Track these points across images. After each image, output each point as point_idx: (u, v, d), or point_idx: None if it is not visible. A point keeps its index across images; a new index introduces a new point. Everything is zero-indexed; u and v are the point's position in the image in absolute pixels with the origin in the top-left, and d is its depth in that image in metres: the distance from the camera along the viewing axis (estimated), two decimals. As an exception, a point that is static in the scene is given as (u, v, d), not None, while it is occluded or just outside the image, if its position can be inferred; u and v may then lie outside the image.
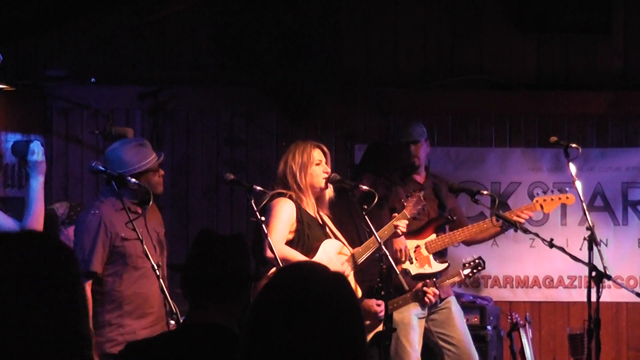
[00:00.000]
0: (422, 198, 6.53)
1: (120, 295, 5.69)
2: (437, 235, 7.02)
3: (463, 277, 6.81)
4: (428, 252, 6.96)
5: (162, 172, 5.92)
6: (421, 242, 6.97)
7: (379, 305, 6.28)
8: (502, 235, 7.21)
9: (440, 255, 7.01)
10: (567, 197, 7.11)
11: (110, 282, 5.68)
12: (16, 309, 2.06)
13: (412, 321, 6.86)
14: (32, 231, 2.50)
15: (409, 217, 6.44)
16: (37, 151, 5.47)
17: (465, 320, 7.17)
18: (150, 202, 5.65)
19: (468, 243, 7.25)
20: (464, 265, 6.85)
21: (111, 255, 5.69)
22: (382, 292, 5.97)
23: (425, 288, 6.51)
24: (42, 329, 2.06)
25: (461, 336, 6.97)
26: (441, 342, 6.97)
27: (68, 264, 2.18)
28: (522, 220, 6.88)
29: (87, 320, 2.16)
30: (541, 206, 7.04)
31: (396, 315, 6.77)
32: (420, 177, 7.20)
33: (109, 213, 5.68)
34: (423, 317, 6.96)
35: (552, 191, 7.13)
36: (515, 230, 6.85)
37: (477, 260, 6.85)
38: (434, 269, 6.89)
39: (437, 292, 6.44)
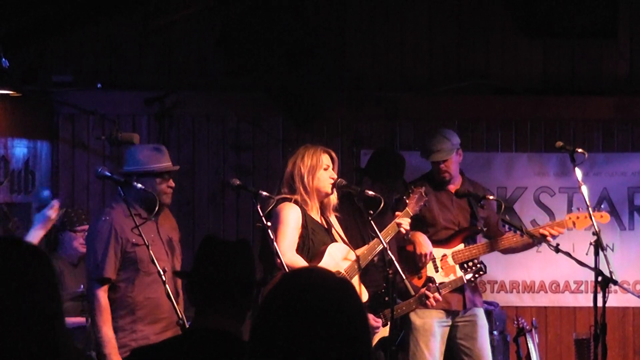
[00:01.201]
0: (423, 194, 6.50)
1: (132, 300, 5.69)
2: (465, 246, 7.01)
3: (465, 281, 6.80)
4: (454, 261, 6.96)
5: (172, 183, 5.90)
6: (448, 252, 6.98)
7: (376, 320, 6.27)
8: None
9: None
10: (602, 216, 7.00)
11: (123, 288, 5.69)
12: None
13: (433, 328, 6.91)
14: (8, 237, 2.55)
15: (411, 214, 6.41)
16: (54, 208, 5.53)
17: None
18: (156, 208, 5.63)
19: (503, 252, 7.24)
20: (465, 269, 6.85)
21: (123, 261, 5.70)
22: (386, 298, 5.96)
23: (427, 293, 6.50)
24: (15, 334, 2.07)
25: (481, 352, 7.00)
26: (461, 354, 7.03)
27: (43, 269, 2.20)
28: (548, 235, 6.80)
29: (62, 325, 2.18)
30: (573, 223, 6.93)
31: (418, 321, 6.85)
32: (453, 186, 7.18)
33: (119, 219, 5.68)
34: (447, 325, 6.99)
35: (587, 208, 6.79)
36: (522, 236, 6.85)
37: (478, 265, 6.84)
38: None
39: (439, 297, 6.43)
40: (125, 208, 5.65)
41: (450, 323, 7.03)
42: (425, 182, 7.14)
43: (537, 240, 6.80)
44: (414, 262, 6.90)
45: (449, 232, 7.06)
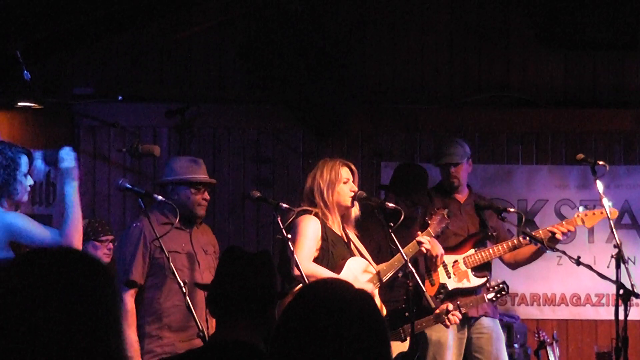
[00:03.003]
0: (445, 216, 6.51)
1: (160, 307, 5.71)
2: (475, 251, 7.01)
3: (487, 300, 6.78)
4: (466, 266, 6.96)
5: (207, 195, 5.94)
6: (459, 257, 6.99)
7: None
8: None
9: (480, 269, 6.97)
10: (611, 212, 7.00)
11: (151, 294, 5.72)
12: (49, 325, 2.05)
13: (449, 341, 6.89)
14: (69, 248, 2.49)
15: (433, 234, 6.43)
16: (67, 158, 5.48)
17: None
18: (177, 218, 5.65)
19: (513, 266, 7.21)
20: (488, 289, 6.82)
21: (151, 267, 5.73)
22: (407, 314, 5.95)
23: (451, 315, 6.44)
24: (72, 348, 2.05)
25: None
26: None
27: (105, 283, 2.17)
28: (558, 232, 6.78)
29: (121, 342, 2.15)
30: (582, 220, 6.92)
31: (433, 335, 6.84)
32: (461, 196, 7.19)
33: (150, 226, 5.70)
34: (463, 336, 6.98)
35: (595, 206, 6.87)
36: (544, 249, 6.82)
37: (501, 285, 6.80)
38: (472, 284, 6.89)
39: (460, 316, 6.39)
40: (159, 216, 5.75)
41: (466, 334, 7.00)
42: (434, 192, 7.17)
43: (553, 248, 6.74)
44: (426, 266, 6.92)
45: (458, 239, 7.06)
